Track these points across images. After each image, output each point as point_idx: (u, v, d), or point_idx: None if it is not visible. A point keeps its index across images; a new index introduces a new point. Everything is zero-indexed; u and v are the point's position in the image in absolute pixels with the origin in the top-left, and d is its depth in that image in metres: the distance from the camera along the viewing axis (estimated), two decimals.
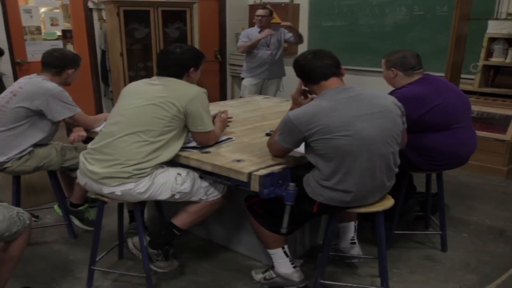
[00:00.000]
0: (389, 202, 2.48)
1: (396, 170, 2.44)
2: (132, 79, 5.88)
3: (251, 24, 7.06)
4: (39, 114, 2.99)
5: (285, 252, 2.65)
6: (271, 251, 2.67)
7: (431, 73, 3.02)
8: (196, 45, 6.52)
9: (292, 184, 2.32)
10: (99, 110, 6.69)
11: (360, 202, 2.38)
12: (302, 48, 6.32)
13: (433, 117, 2.82)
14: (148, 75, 6.14)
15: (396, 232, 3.20)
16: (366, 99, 2.31)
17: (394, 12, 5.98)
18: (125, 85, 5.85)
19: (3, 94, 3.07)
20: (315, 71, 2.36)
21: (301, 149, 2.43)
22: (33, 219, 3.39)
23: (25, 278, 2.86)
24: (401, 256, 3.18)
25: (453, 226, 3.60)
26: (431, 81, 2.94)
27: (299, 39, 5.65)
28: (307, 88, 2.53)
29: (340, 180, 2.26)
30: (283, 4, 6.94)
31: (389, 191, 2.51)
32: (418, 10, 5.78)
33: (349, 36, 6.44)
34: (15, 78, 5.76)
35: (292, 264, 2.68)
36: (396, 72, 2.96)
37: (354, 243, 2.96)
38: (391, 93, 2.83)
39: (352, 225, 2.95)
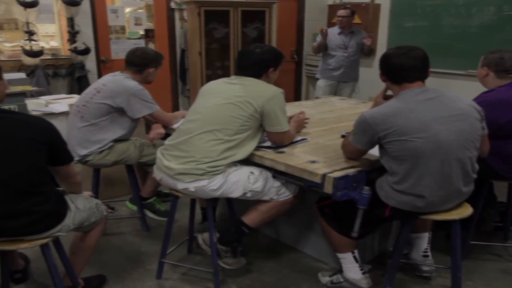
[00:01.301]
0: (466, 211, 2.37)
1: (474, 176, 2.33)
2: (209, 78, 5.97)
3: (329, 25, 6.96)
4: (120, 111, 3.09)
5: (354, 257, 2.59)
6: (340, 255, 2.61)
7: None
8: (274, 45, 6.51)
9: (366, 187, 2.27)
10: (175, 107, 6.86)
11: (434, 208, 2.29)
12: (381, 49, 6.16)
13: None
14: (225, 74, 6.21)
15: (472, 242, 3.04)
16: (445, 101, 2.22)
17: (481, 12, 5.65)
18: (202, 83, 5.97)
19: (87, 90, 3.20)
20: (404, 72, 2.26)
21: (376, 152, 2.35)
22: (109, 210, 3.52)
23: (99, 266, 2.96)
24: (476, 268, 3.01)
25: None
26: None
27: (368, 52, 5.60)
28: (391, 94, 2.44)
29: (413, 184, 2.20)
30: (363, 4, 6.79)
31: (467, 199, 2.39)
32: (509, 10, 5.42)
33: (431, 37, 6.17)
34: (99, 75, 6.03)
35: (361, 270, 2.61)
36: (487, 71, 2.81)
37: (427, 256, 2.84)
38: (478, 96, 2.69)
39: (425, 236, 2.83)
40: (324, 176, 2.25)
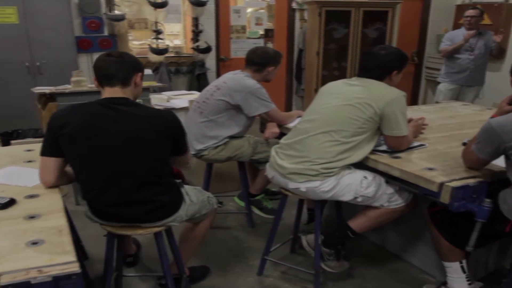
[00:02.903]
0: None
1: None
2: (325, 78, 5.94)
3: (455, 26, 6.59)
4: (237, 108, 3.16)
5: (462, 267, 2.42)
6: (446, 264, 2.46)
7: None
8: (393, 44, 6.31)
9: (488, 200, 2.11)
10: (288, 106, 6.90)
11: None
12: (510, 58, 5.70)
13: None
14: (341, 75, 6.13)
15: None
16: None
17: None
18: (317, 84, 5.96)
19: (208, 87, 3.32)
20: None
21: (502, 162, 2.16)
22: (218, 204, 3.60)
23: (204, 257, 3.05)
24: None
25: None
26: None
27: (497, 52, 5.18)
28: None
29: None
30: (496, 4, 6.31)
31: None
32: None
33: None
34: (218, 73, 6.24)
35: (468, 281, 2.43)
36: None
37: None
38: None
39: None
40: (441, 184, 2.12)
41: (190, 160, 2.47)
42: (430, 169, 2.30)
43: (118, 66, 2.10)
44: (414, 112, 3.53)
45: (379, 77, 2.54)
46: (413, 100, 7.53)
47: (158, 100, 4.44)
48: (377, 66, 2.55)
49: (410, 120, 2.79)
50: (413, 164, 2.39)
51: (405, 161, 2.44)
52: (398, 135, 2.49)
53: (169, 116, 2.18)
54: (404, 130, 2.49)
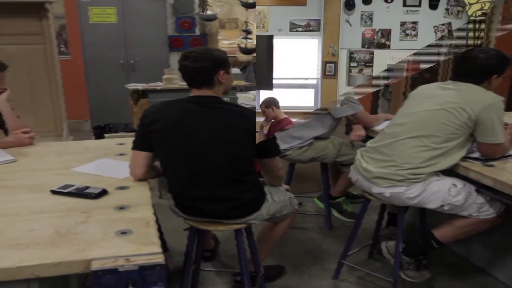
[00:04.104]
0: None
1: None
2: (414, 81, 5.74)
3: None
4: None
5: None
6: None
7: None
8: (491, 46, 5.98)
9: None
10: (374, 109, 6.73)
11: None
12: None
13: None
14: (432, 77, 5.89)
15: None
16: None
17: None
18: (406, 86, 5.78)
19: None
20: None
21: None
22: (297, 205, 3.61)
23: (280, 257, 3.05)
24: None
25: None
26: None
27: None
28: None
29: None
30: None
31: None
32: None
33: None
34: None
35: None
36: None
37: None
38: None
39: None
40: None
41: (281, 169, 2.42)
42: None
43: (195, 71, 2.10)
44: (511, 118, 3.34)
45: (477, 82, 2.42)
46: (509, 105, 7.09)
47: (244, 99, 4.50)
48: (475, 70, 2.43)
49: (506, 126, 2.63)
50: (508, 173, 2.26)
51: (499, 170, 2.31)
52: (493, 143, 2.36)
53: (255, 115, 2.18)
54: (500, 138, 2.36)
